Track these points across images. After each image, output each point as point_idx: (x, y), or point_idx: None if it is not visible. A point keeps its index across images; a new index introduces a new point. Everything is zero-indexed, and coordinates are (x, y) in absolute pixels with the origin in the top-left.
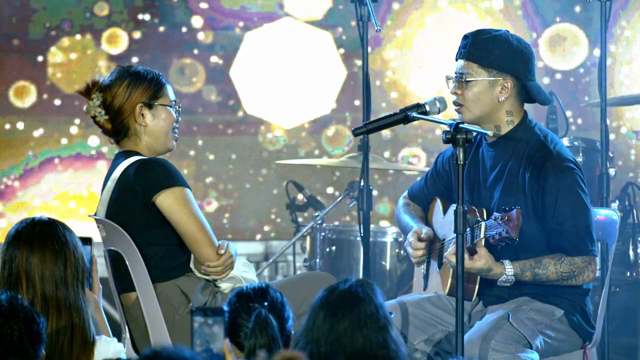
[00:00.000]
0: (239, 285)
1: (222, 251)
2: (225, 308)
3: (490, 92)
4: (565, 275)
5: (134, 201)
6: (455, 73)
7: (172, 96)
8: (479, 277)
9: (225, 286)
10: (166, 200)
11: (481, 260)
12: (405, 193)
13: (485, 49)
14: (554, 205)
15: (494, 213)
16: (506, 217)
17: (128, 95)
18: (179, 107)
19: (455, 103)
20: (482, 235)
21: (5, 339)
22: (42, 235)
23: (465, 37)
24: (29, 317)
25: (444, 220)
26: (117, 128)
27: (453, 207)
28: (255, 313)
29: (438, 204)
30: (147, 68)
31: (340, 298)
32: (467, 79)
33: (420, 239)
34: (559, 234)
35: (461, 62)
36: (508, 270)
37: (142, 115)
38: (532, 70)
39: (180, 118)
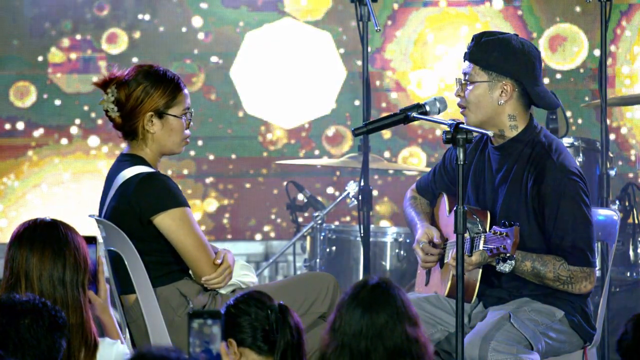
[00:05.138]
0: (238, 289)
1: (219, 261)
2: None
3: (490, 95)
4: (562, 279)
5: (131, 217)
6: (463, 74)
7: (186, 103)
8: (477, 285)
9: (225, 291)
10: (164, 222)
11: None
12: (414, 186)
13: (486, 51)
14: (554, 217)
15: (494, 227)
16: (505, 234)
17: (141, 100)
18: (191, 114)
19: (459, 105)
20: (480, 247)
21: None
22: (43, 236)
23: (472, 38)
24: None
25: (448, 219)
26: (127, 128)
27: None
28: (269, 311)
29: (444, 200)
30: (168, 71)
31: (374, 293)
32: (468, 81)
33: (431, 243)
34: (559, 247)
35: (466, 63)
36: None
37: (152, 122)
38: (536, 74)
39: (192, 123)
